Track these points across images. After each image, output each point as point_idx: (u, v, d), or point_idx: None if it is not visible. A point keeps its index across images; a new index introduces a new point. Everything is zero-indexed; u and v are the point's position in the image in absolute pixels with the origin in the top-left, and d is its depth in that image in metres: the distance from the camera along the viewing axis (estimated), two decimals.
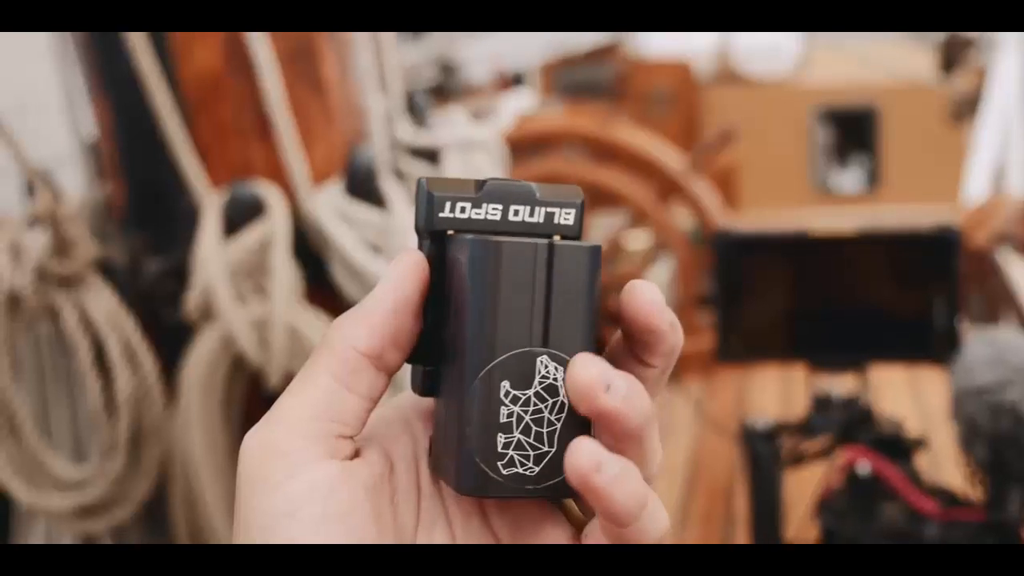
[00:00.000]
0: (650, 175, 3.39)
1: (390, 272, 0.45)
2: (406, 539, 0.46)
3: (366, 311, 0.45)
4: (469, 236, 0.45)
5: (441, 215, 0.46)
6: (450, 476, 0.45)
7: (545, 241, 0.44)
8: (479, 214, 0.46)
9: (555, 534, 0.46)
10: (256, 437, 0.44)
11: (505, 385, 0.44)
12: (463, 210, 0.46)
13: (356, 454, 0.45)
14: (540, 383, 0.44)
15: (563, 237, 0.47)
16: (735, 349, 1.94)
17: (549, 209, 0.47)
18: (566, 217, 0.47)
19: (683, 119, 5.22)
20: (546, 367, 0.44)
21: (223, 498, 1.36)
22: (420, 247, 0.47)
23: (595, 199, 3.54)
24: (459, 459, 0.44)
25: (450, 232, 0.46)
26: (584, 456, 0.40)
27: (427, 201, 0.46)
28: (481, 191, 0.46)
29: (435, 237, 0.46)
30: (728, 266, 1.92)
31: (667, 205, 3.39)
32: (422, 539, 0.46)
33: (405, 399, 0.48)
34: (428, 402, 0.48)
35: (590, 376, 0.41)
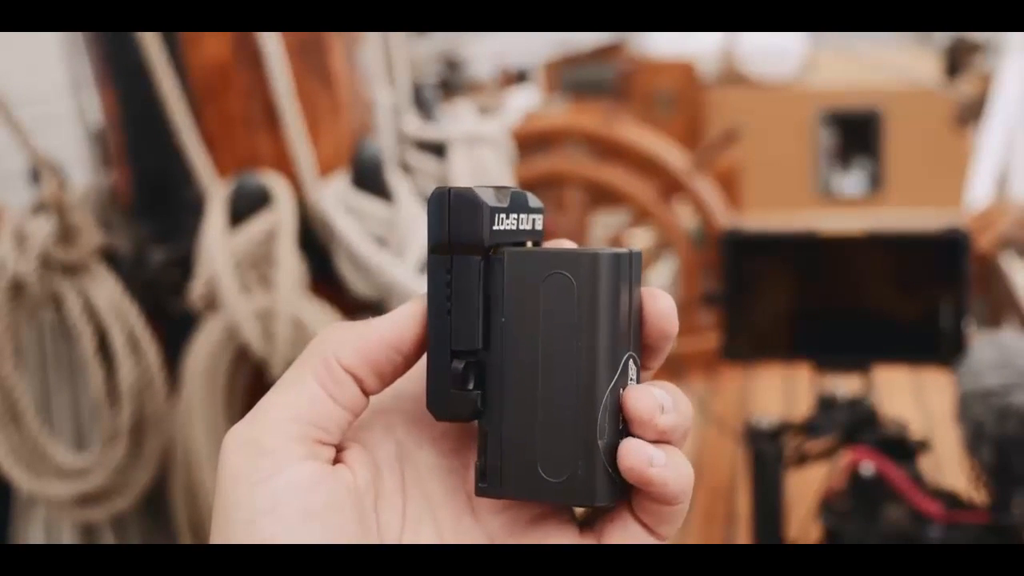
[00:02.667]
0: (653, 174, 3.38)
1: (398, 310, 0.46)
2: (391, 541, 0.45)
3: (360, 332, 0.45)
4: (571, 248, 0.45)
5: (494, 228, 0.45)
6: (572, 492, 0.44)
7: (627, 250, 0.45)
8: (508, 225, 0.46)
9: (559, 533, 0.46)
10: (239, 434, 0.44)
11: (621, 391, 0.44)
12: (500, 221, 0.46)
13: (338, 461, 0.45)
14: (630, 384, 0.45)
15: (535, 243, 0.48)
16: (741, 348, 1.93)
17: (532, 216, 0.47)
18: (538, 223, 0.48)
19: (686, 120, 5.20)
20: (632, 369, 0.45)
21: None
22: (448, 262, 0.45)
23: (597, 197, 3.53)
24: (589, 471, 0.44)
25: (492, 248, 0.45)
26: (633, 454, 0.43)
27: (480, 213, 0.45)
28: (510, 202, 0.46)
29: (485, 253, 0.45)
30: (736, 265, 1.92)
31: (670, 204, 3.38)
32: (408, 541, 0.46)
33: (383, 402, 0.48)
34: (411, 406, 0.47)
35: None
